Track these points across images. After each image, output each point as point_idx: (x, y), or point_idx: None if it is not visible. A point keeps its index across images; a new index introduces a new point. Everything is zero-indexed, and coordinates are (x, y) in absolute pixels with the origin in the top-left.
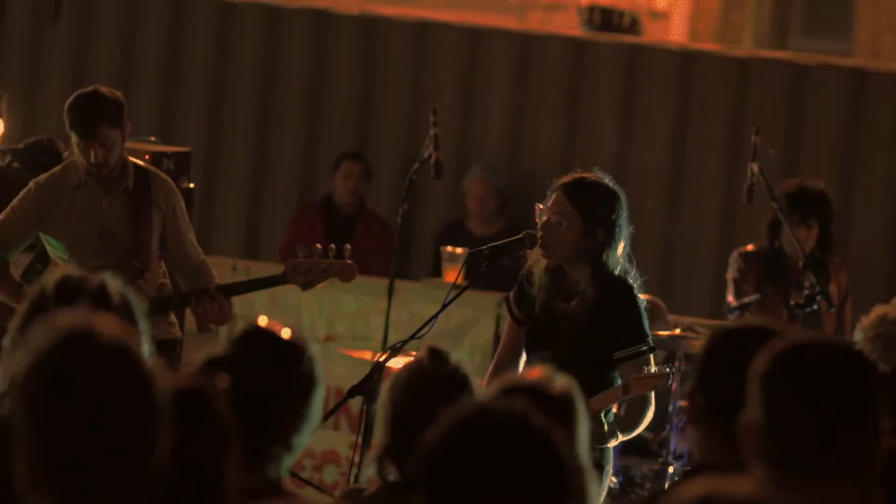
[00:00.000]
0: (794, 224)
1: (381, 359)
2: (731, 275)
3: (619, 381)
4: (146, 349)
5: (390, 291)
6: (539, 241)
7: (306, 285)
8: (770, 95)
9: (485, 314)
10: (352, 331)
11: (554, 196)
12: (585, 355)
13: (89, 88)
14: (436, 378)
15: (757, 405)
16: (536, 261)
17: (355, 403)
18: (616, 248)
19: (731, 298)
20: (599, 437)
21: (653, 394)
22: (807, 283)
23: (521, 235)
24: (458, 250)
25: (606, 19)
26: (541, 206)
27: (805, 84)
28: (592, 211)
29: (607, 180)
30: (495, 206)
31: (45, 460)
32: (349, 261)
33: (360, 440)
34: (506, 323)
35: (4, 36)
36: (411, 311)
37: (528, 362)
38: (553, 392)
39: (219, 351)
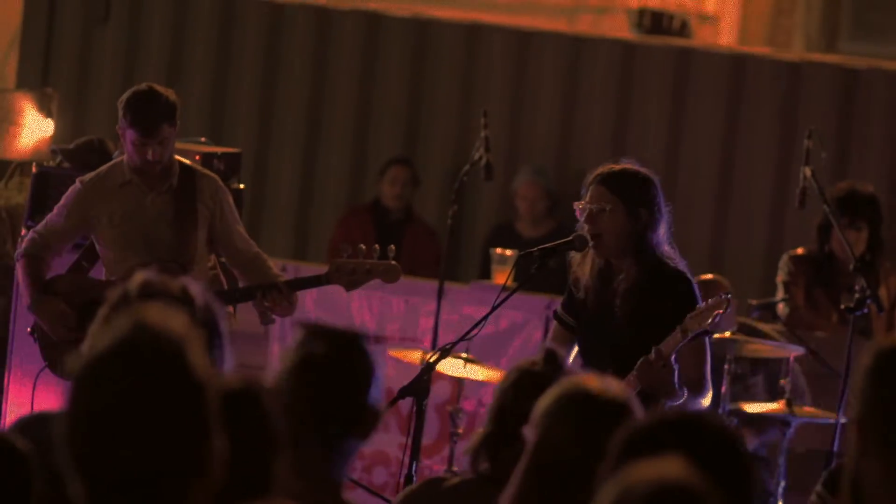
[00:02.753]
0: (844, 227)
1: (431, 360)
2: (781, 278)
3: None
4: (227, 352)
5: (440, 293)
6: (589, 237)
7: (350, 286)
8: (820, 99)
9: (534, 316)
10: (401, 332)
11: (591, 189)
12: (641, 343)
13: (144, 86)
14: (544, 379)
15: (866, 402)
16: (580, 264)
17: (405, 405)
18: (659, 229)
19: (780, 304)
20: (670, 389)
21: (708, 368)
22: (857, 287)
23: (570, 237)
24: (508, 252)
25: (656, 22)
26: (580, 204)
27: (855, 87)
28: (631, 193)
29: (637, 166)
30: (545, 207)
31: (85, 459)
32: (393, 262)
33: (409, 441)
34: (551, 329)
35: (55, 36)
36: (461, 312)
37: (586, 365)
38: (608, 398)
39: (291, 354)
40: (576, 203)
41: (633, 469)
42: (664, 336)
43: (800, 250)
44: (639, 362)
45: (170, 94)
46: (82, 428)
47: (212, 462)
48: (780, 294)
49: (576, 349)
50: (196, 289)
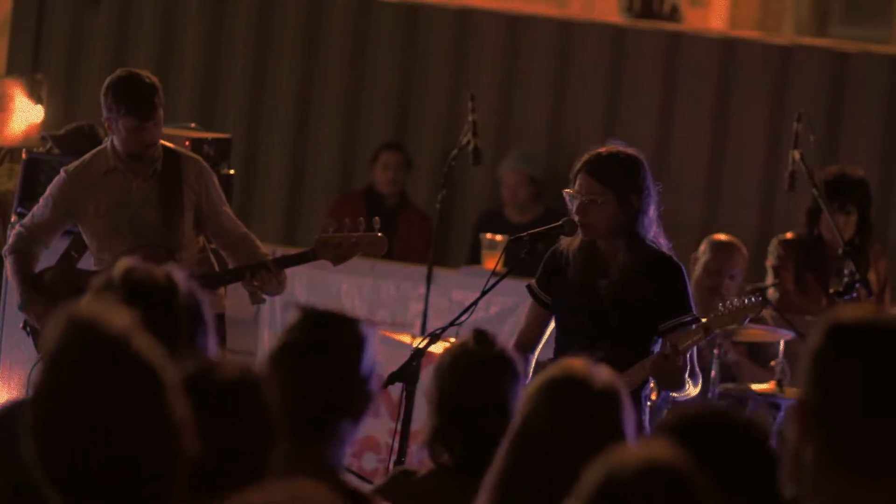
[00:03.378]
0: (834, 211)
1: (421, 345)
2: (770, 262)
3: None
4: (211, 338)
5: (429, 278)
6: (579, 224)
7: (337, 260)
8: (810, 83)
9: (524, 301)
10: (391, 317)
11: (579, 179)
12: (628, 325)
13: (124, 72)
14: (480, 360)
15: (810, 383)
16: (569, 244)
17: (395, 390)
18: (649, 211)
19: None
20: (680, 384)
21: (695, 356)
22: (846, 271)
23: (560, 222)
24: (498, 237)
25: (646, 7)
26: (569, 192)
27: (845, 71)
28: (619, 181)
29: (622, 147)
30: (529, 194)
31: (45, 457)
32: (379, 234)
33: (399, 427)
34: (527, 307)
35: (45, 22)
36: (450, 297)
37: (568, 343)
38: (597, 385)
39: (284, 337)
40: (565, 190)
41: (619, 451)
42: (649, 319)
43: (789, 234)
44: (654, 356)
45: (148, 74)
46: (45, 435)
47: (181, 441)
48: (769, 278)
49: (551, 326)
50: (180, 275)
